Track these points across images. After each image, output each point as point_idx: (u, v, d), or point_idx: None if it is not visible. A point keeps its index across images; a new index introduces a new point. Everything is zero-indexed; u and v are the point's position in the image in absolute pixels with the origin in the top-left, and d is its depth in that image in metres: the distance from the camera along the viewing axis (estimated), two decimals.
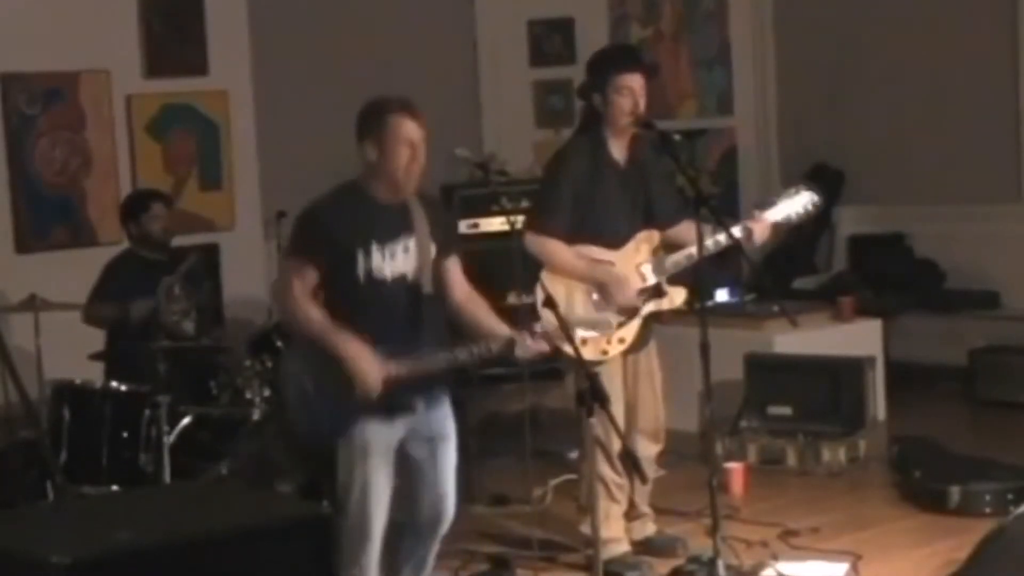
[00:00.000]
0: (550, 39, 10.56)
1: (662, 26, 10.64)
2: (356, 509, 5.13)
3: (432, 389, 5.22)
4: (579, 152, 6.05)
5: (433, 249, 5.18)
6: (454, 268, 5.28)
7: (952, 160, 9.63)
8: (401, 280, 5.12)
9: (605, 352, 5.96)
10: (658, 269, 6.03)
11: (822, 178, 10.13)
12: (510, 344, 5.15)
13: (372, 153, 5.08)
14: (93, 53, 8.66)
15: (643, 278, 6.02)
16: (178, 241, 7.75)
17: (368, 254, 5.07)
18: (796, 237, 10.06)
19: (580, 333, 5.26)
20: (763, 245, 6.20)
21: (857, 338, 8.45)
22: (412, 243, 5.14)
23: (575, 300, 5.91)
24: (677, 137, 6.14)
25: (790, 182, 10.07)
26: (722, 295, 8.75)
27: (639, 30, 10.67)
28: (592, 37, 10.09)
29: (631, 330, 6.04)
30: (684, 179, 6.15)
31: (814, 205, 6.10)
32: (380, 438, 5.12)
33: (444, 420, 5.28)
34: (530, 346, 5.16)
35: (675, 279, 6.08)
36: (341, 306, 5.07)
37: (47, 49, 8.48)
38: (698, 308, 5.81)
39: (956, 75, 9.58)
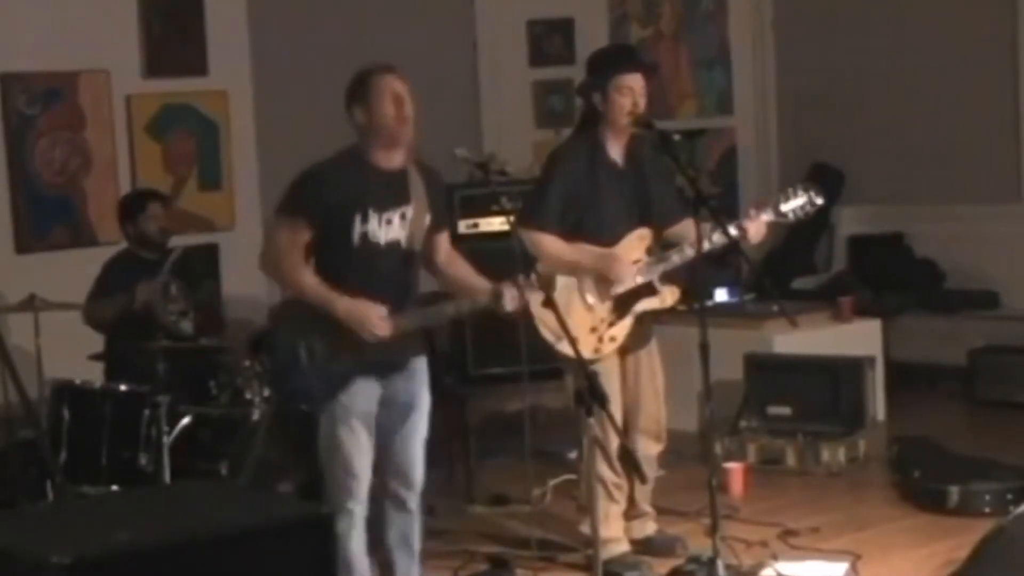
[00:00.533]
0: (550, 39, 10.55)
1: (662, 26, 10.64)
2: (340, 469, 5.18)
3: (411, 357, 5.29)
4: (576, 151, 6.07)
5: (428, 219, 5.26)
6: (443, 239, 5.40)
7: (952, 160, 9.63)
8: (395, 245, 5.20)
9: (597, 351, 5.96)
10: (651, 268, 6.04)
11: (822, 178, 10.12)
12: (496, 296, 5.19)
13: (361, 116, 5.19)
14: (93, 53, 8.65)
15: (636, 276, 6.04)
16: (178, 241, 7.75)
17: (365, 219, 5.13)
18: (795, 237, 10.08)
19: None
20: (760, 244, 6.20)
21: (857, 338, 8.46)
22: (409, 210, 5.21)
23: (571, 296, 5.92)
24: (677, 137, 6.14)
25: (790, 182, 10.12)
26: (721, 295, 8.75)
27: (639, 30, 10.67)
28: (592, 37, 10.08)
29: (623, 328, 6.04)
30: (684, 179, 6.15)
31: (812, 204, 6.09)
32: (363, 399, 5.18)
33: (419, 388, 5.35)
34: (516, 298, 5.19)
35: (669, 278, 6.09)
36: (332, 267, 5.15)
37: (47, 49, 8.47)
38: (698, 308, 5.82)
39: (956, 75, 9.58)
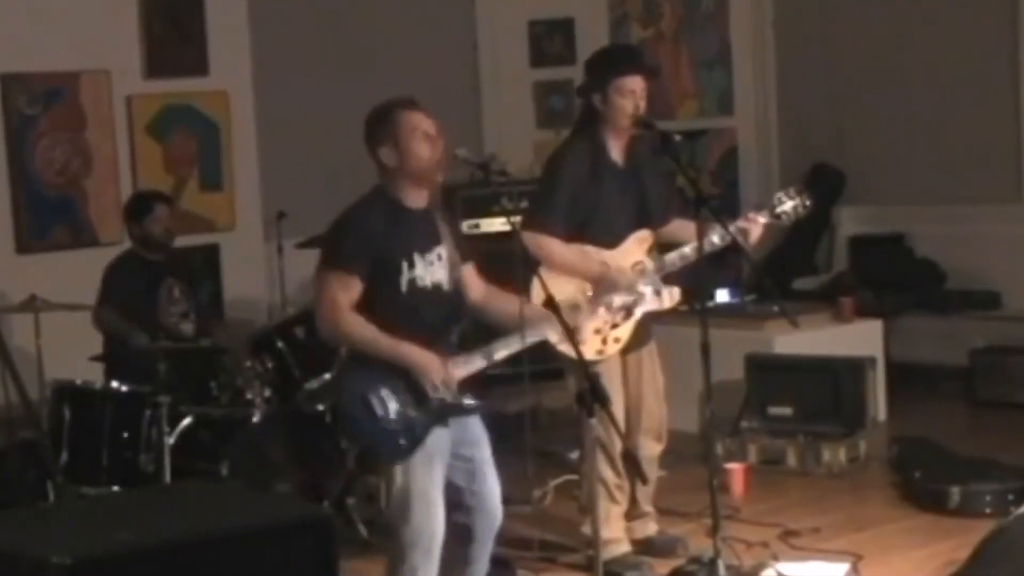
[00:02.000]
0: (550, 39, 10.56)
1: (662, 27, 10.64)
2: (419, 519, 4.99)
3: (472, 399, 5.16)
4: (578, 153, 6.05)
5: (457, 256, 5.14)
6: (469, 273, 5.23)
7: (952, 160, 9.63)
8: (438, 288, 5.06)
9: (601, 352, 5.97)
10: (652, 270, 6.04)
11: (822, 178, 10.13)
12: (543, 326, 5.13)
13: (391, 157, 4.98)
14: (93, 53, 8.66)
15: (639, 277, 6.04)
16: (179, 242, 7.75)
17: (412, 264, 4.99)
18: (796, 237, 10.08)
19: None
20: (758, 246, 6.19)
21: (857, 338, 8.46)
22: (443, 251, 5.08)
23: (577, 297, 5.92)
24: (677, 137, 6.15)
25: (790, 182, 10.12)
26: (722, 295, 8.75)
27: (639, 31, 10.68)
28: (592, 37, 10.09)
29: (626, 330, 6.05)
30: (684, 179, 6.15)
31: (804, 206, 6.11)
32: (441, 445, 5.04)
33: (478, 424, 5.21)
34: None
35: (669, 279, 6.09)
36: (383, 318, 4.96)
37: (47, 49, 8.48)
38: (698, 308, 5.82)
39: (956, 76, 9.58)
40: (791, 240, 10.12)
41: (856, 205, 10.13)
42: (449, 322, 5.10)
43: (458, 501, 5.14)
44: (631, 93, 5.94)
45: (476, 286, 5.24)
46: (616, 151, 6.06)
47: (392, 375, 4.96)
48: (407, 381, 4.97)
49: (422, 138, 4.97)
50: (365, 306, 4.97)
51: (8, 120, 8.46)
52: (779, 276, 9.50)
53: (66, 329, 6.99)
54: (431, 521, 5.02)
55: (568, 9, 10.55)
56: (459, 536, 5.16)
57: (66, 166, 8.65)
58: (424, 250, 5.02)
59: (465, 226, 8.00)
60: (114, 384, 6.72)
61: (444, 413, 5.02)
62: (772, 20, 10.44)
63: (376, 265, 4.95)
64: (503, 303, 5.21)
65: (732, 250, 6.03)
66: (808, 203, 6.11)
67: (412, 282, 4.99)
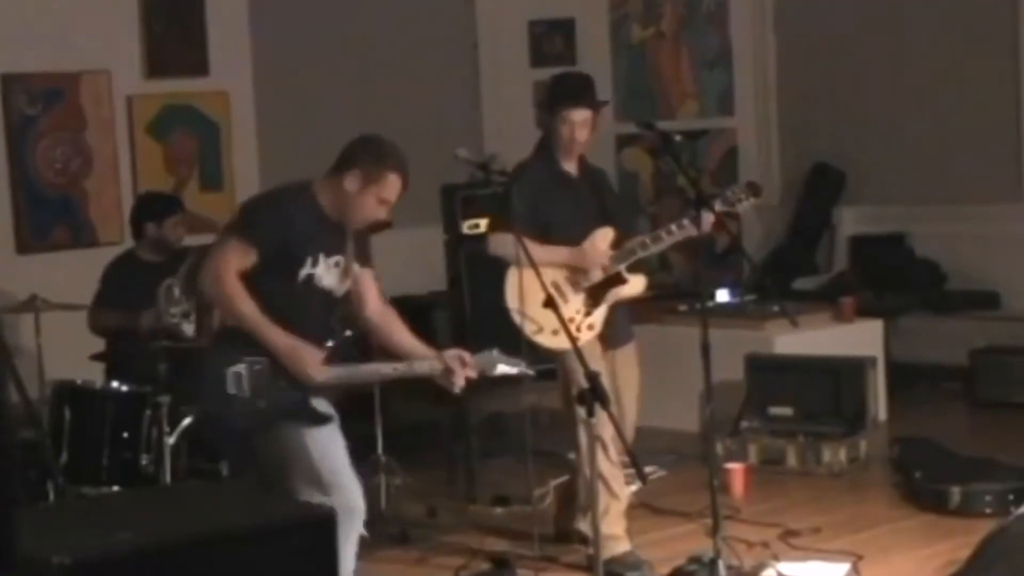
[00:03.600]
0: (551, 39, 10.56)
1: (663, 27, 10.64)
2: (295, 486, 5.09)
3: (331, 407, 5.23)
4: (533, 165, 6.29)
5: (354, 268, 5.28)
6: (367, 280, 5.35)
7: (952, 160, 9.63)
8: (330, 292, 5.20)
9: (576, 340, 5.99)
10: (616, 259, 6.13)
11: (822, 178, 10.13)
12: (446, 373, 5.15)
13: (352, 186, 5.12)
14: (94, 53, 8.66)
15: (603, 269, 6.13)
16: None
17: (315, 263, 5.13)
18: (797, 237, 10.08)
19: (501, 368, 5.26)
20: (715, 231, 6.25)
21: (858, 338, 8.46)
22: (343, 260, 5.22)
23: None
24: (678, 137, 6.21)
25: (790, 182, 10.14)
26: (723, 295, 8.75)
27: (639, 31, 10.68)
28: (592, 37, 10.10)
29: (599, 316, 6.13)
30: (684, 179, 6.19)
31: (754, 195, 6.15)
32: (317, 431, 5.13)
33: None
34: (456, 376, 5.14)
35: (635, 268, 6.20)
36: (267, 299, 5.07)
37: (47, 49, 8.48)
38: (698, 308, 5.83)
39: (956, 75, 9.58)
40: (792, 240, 10.12)
41: (856, 205, 10.13)
42: (332, 325, 5.24)
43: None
44: (571, 125, 6.14)
45: (373, 298, 5.36)
46: (568, 164, 6.28)
47: (256, 353, 5.03)
48: (270, 368, 5.03)
49: (383, 205, 5.15)
50: (256, 289, 5.06)
51: (8, 120, 8.46)
52: (779, 276, 9.51)
53: (66, 329, 6.98)
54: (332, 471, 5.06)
55: (568, 9, 10.54)
56: None
57: (66, 166, 8.65)
58: (329, 253, 5.16)
59: (465, 226, 7.99)
60: (114, 384, 6.72)
61: (296, 414, 5.07)
62: (772, 20, 10.44)
63: (279, 250, 5.07)
64: (393, 330, 5.32)
65: (732, 250, 6.06)
66: (754, 199, 6.17)
67: (310, 278, 5.12)
